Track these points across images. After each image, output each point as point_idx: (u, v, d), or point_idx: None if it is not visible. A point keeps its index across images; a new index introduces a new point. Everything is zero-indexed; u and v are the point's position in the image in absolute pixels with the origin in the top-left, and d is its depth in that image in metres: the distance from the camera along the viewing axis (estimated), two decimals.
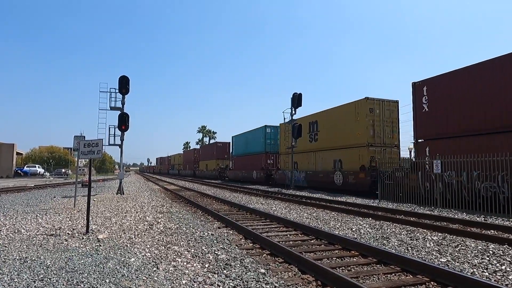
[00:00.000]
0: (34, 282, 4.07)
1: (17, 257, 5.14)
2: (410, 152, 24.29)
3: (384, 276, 4.57)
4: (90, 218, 7.73)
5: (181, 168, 68.67)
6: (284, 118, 25.61)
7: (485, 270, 4.79)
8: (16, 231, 7.19)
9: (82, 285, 3.97)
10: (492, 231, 7.67)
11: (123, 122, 17.07)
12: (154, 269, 4.66)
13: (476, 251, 5.81)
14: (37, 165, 53.91)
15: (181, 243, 6.27)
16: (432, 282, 4.28)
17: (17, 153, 52.27)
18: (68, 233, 6.98)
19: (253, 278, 4.33)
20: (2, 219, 8.71)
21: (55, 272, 4.45)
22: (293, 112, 23.99)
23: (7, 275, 4.31)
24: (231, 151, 42.16)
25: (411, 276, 4.54)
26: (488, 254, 5.64)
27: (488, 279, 4.43)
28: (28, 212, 10.14)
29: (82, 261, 4.97)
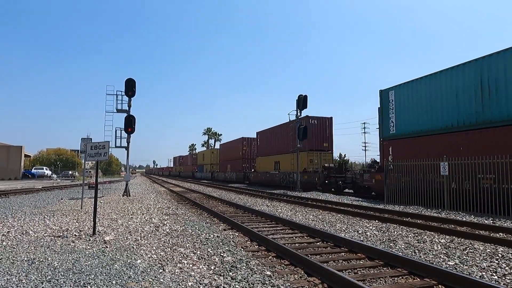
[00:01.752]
0: (42, 283, 4.10)
1: (25, 258, 5.19)
2: None
3: (391, 279, 4.53)
4: (97, 220, 7.78)
5: (217, 170, 46.38)
6: (290, 120, 25.56)
7: (494, 274, 4.72)
8: (24, 232, 7.26)
9: (89, 287, 3.99)
10: (501, 234, 7.56)
11: (130, 124, 17.19)
12: (160, 271, 4.67)
13: (484, 254, 5.74)
14: (44, 167, 54.53)
15: (187, 245, 6.29)
16: (440, 286, 4.23)
17: (25, 155, 52.92)
18: (75, 235, 7.03)
19: (259, 280, 4.32)
20: (10, 221, 8.80)
21: (62, 273, 4.48)
22: (299, 114, 23.94)
23: (16, 276, 4.36)
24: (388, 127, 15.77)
25: (418, 279, 4.49)
26: (497, 257, 5.56)
27: (497, 282, 4.37)
28: (36, 214, 10.24)
29: (89, 262, 5.00)
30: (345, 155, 52.17)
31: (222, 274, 4.57)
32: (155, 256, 5.46)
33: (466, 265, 5.13)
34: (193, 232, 7.56)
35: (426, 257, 5.65)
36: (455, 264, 5.21)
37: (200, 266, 4.93)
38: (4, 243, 6.25)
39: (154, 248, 6.00)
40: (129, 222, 8.73)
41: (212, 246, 6.20)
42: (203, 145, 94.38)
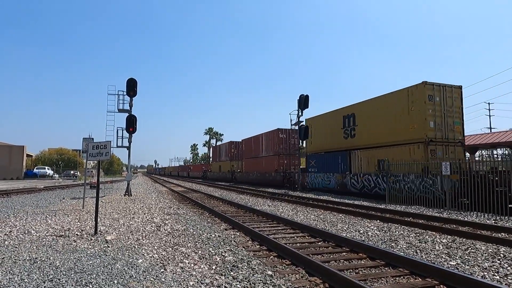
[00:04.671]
0: (44, 282, 4.11)
1: (27, 258, 5.21)
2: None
3: (392, 279, 4.53)
4: (99, 220, 7.80)
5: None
6: (291, 120, 25.55)
7: (496, 274, 4.71)
8: (26, 232, 7.29)
9: (90, 286, 4.01)
10: (503, 234, 7.54)
11: (131, 124, 17.21)
12: (162, 270, 4.68)
13: (486, 254, 5.72)
14: (46, 167, 54.64)
15: (188, 245, 6.29)
16: (441, 286, 4.22)
17: (27, 155, 53.09)
18: (77, 234, 7.04)
19: (260, 280, 4.32)
20: (12, 220, 8.83)
21: (64, 272, 4.49)
22: (300, 113, 23.91)
23: (18, 275, 4.37)
24: None
25: (420, 279, 4.49)
26: (499, 257, 5.55)
27: (499, 282, 4.36)
28: (38, 213, 10.27)
29: (91, 262, 5.02)
30: None
31: (223, 273, 4.57)
32: (157, 255, 5.47)
33: (467, 265, 5.12)
34: (194, 232, 7.56)
35: (428, 257, 5.64)
36: (456, 264, 5.20)
37: (202, 266, 4.93)
38: (6, 242, 6.28)
39: (155, 247, 6.01)
40: (131, 222, 8.75)
41: (213, 246, 6.20)
42: (204, 145, 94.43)
